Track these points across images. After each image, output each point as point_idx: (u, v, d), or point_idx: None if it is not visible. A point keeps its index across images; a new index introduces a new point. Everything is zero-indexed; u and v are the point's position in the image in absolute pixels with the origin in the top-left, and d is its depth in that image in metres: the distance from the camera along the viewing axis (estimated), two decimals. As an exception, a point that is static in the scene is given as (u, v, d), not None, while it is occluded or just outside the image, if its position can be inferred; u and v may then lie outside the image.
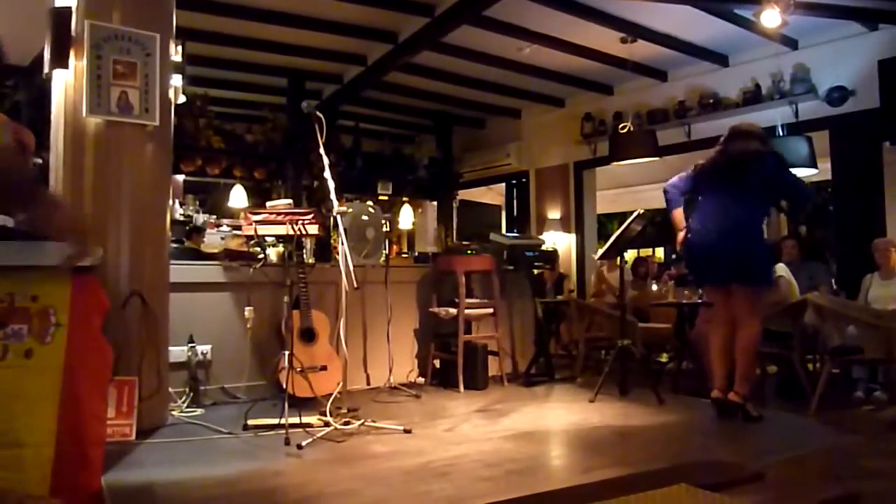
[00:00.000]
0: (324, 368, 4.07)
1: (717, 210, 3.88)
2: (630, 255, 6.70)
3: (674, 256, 8.14)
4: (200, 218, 7.60)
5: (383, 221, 4.75)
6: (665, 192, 4.10)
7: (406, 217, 8.82)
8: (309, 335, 4.11)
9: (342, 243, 3.52)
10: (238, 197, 7.38)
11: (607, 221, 10.52)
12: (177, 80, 3.90)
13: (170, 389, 3.85)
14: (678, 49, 5.97)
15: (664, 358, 6.20)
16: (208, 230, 7.13)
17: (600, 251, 5.59)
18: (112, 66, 3.48)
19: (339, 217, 3.56)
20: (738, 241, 3.75)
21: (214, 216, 7.82)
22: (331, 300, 4.38)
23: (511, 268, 5.54)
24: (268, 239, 4.41)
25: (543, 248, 6.13)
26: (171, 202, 3.93)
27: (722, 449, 3.21)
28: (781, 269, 4.86)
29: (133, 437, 3.27)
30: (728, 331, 3.87)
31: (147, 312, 3.49)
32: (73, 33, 3.49)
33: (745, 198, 3.80)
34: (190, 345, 4.18)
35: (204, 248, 5.97)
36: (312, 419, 3.43)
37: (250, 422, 3.49)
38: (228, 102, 7.47)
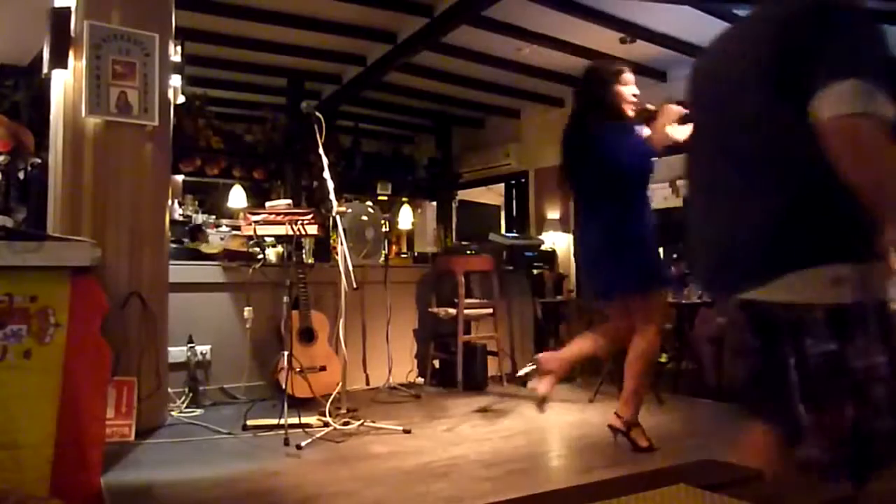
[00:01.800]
0: (323, 369, 4.07)
1: (582, 212, 3.36)
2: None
3: (674, 256, 8.13)
4: (200, 218, 7.60)
5: (382, 221, 4.75)
6: None
7: (405, 217, 8.81)
8: (308, 335, 4.11)
9: (341, 243, 3.52)
10: (237, 197, 7.37)
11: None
12: (176, 80, 3.89)
13: (169, 390, 3.85)
14: (678, 49, 5.97)
15: (664, 358, 6.19)
16: (208, 230, 7.12)
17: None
18: (111, 66, 3.48)
19: (338, 217, 3.56)
20: (607, 246, 3.13)
21: (213, 216, 7.82)
22: (330, 300, 4.37)
23: (510, 268, 5.54)
24: (267, 239, 4.41)
25: (543, 248, 6.13)
26: (170, 202, 3.93)
27: (722, 449, 3.20)
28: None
29: (132, 437, 3.27)
30: (603, 343, 3.27)
31: (146, 313, 3.49)
32: (72, 33, 3.49)
33: (593, 191, 3.23)
34: (189, 345, 4.18)
35: (203, 248, 5.97)
36: (312, 419, 3.43)
37: (249, 422, 3.49)
38: (228, 102, 7.46)
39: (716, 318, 5.07)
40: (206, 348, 4.29)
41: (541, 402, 3.20)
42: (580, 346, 3.28)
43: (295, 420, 3.32)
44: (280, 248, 4.73)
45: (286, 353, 3.65)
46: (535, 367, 3.24)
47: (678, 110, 3.04)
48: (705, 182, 1.59)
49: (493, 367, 5.02)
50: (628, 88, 3.16)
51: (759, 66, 1.40)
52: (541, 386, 3.19)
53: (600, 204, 3.18)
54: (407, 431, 3.43)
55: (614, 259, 3.10)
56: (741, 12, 5.16)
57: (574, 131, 3.25)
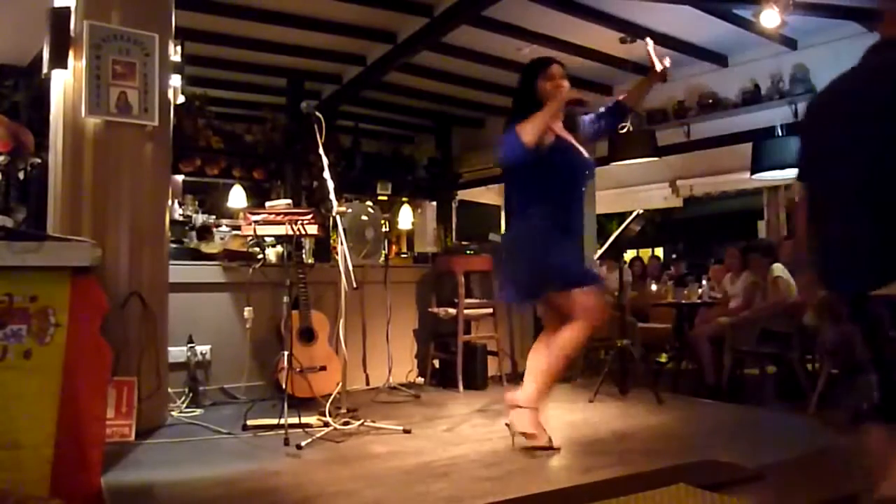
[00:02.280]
0: (323, 369, 4.07)
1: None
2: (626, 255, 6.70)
3: (674, 256, 8.15)
4: (200, 218, 7.61)
5: (382, 221, 4.75)
6: None
7: (405, 217, 8.81)
8: (308, 335, 4.11)
9: (341, 243, 3.53)
10: (237, 197, 7.38)
11: (607, 221, 10.52)
12: (176, 80, 3.89)
13: (169, 390, 3.85)
14: (677, 49, 5.96)
15: (663, 358, 6.20)
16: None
17: (599, 251, 5.59)
18: (111, 66, 3.48)
19: (338, 217, 3.56)
20: (517, 248, 3.06)
21: (213, 216, 7.82)
22: (330, 300, 4.37)
23: (510, 268, 5.53)
24: (267, 239, 4.41)
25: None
26: (170, 202, 3.93)
27: (722, 449, 3.20)
28: (779, 269, 4.87)
29: (132, 437, 3.27)
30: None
31: (146, 313, 3.49)
32: (72, 33, 3.49)
33: (509, 187, 3.19)
34: (189, 345, 4.18)
35: (203, 248, 5.98)
36: (312, 419, 3.43)
37: (250, 422, 3.49)
38: (227, 102, 7.46)
39: (717, 318, 5.08)
40: (206, 348, 4.29)
41: (549, 445, 3.09)
42: (538, 378, 3.13)
43: (295, 420, 3.32)
44: (280, 248, 4.73)
45: (286, 353, 3.65)
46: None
47: (572, 94, 3.08)
48: (831, 202, 1.98)
49: (493, 367, 5.02)
50: (553, 83, 3.08)
51: (880, 105, 1.79)
52: (540, 439, 3.09)
53: (513, 205, 3.14)
54: (407, 431, 3.43)
55: (519, 262, 3.02)
56: (741, 12, 5.16)
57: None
